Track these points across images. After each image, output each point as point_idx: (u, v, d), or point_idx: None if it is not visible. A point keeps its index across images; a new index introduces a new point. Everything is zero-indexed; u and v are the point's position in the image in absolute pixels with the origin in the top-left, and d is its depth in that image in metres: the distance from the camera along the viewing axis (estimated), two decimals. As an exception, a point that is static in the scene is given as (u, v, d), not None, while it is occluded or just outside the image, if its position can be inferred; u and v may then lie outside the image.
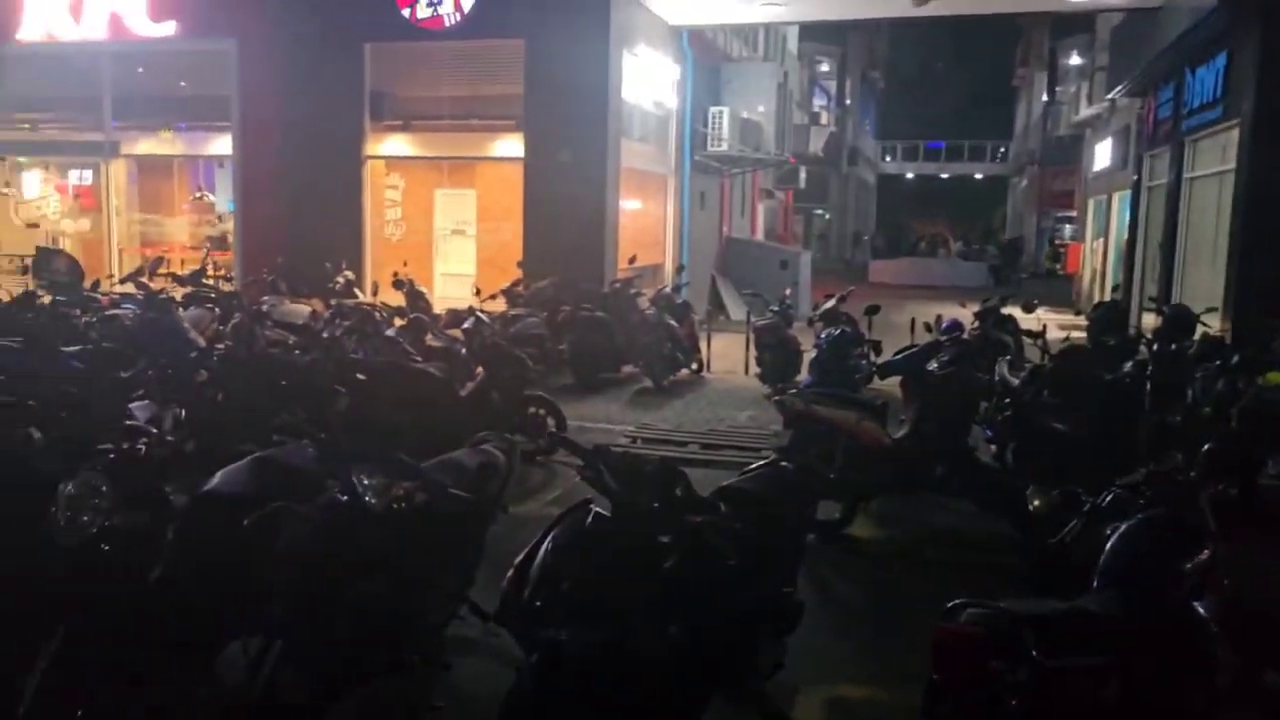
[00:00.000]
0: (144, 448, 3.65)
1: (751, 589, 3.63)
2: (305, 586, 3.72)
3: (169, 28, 14.07)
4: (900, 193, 52.02)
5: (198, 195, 16.32)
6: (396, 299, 10.94)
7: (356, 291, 12.49)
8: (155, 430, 3.86)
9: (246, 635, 4.02)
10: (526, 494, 6.99)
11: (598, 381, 11.49)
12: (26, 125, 15.94)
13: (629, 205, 14.41)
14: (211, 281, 13.25)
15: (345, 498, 3.63)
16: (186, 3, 13.98)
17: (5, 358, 7.32)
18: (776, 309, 11.54)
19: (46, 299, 9.82)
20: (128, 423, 3.91)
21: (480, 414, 7.42)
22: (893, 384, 7.86)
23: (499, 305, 11.58)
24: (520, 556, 3.28)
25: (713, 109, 17.22)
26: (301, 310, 10.62)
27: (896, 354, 8.51)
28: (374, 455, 3.80)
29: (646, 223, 16.06)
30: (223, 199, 16.11)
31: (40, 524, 3.52)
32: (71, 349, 7.83)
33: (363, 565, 3.75)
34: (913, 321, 10.71)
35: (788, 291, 12.75)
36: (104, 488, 3.48)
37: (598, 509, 3.32)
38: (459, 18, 13.03)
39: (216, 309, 10.77)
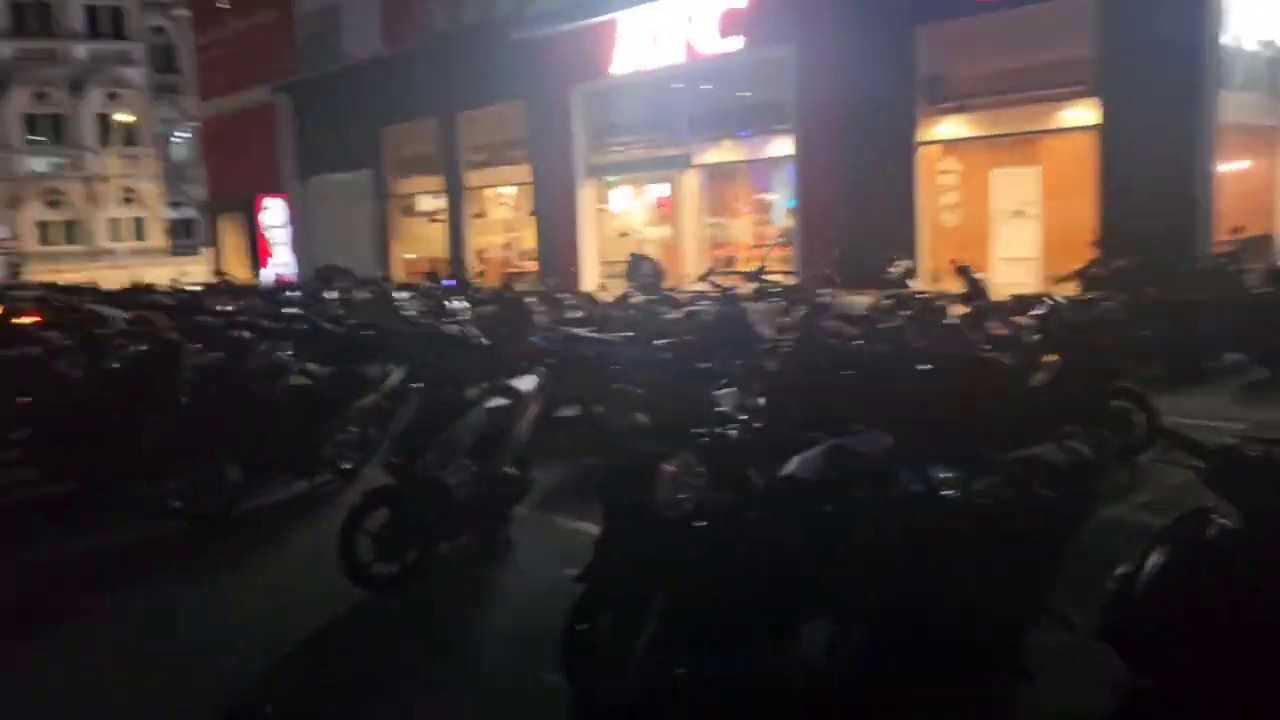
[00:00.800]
0: (733, 433, 3.84)
1: None
2: (884, 577, 3.65)
3: (736, 42, 15.14)
4: None
5: (760, 197, 17.39)
6: (956, 286, 10.57)
7: (910, 282, 12.37)
8: (743, 417, 4.03)
9: (826, 617, 4.07)
10: (1113, 495, 6.24)
11: (1194, 372, 10.00)
12: (619, 149, 18.29)
13: (1227, 168, 12.37)
14: (775, 277, 14.08)
15: (921, 490, 3.49)
16: (750, 18, 14.92)
17: (609, 349, 8.40)
18: None
19: (638, 298, 11.10)
20: (718, 410, 4.14)
21: (1055, 406, 6.81)
22: None
23: (1070, 289, 10.63)
24: (1124, 569, 2.84)
25: (1342, 41, 14.10)
26: (861, 302, 10.74)
27: None
28: (954, 449, 3.59)
29: (1252, 186, 13.66)
30: (782, 198, 16.99)
31: (646, 499, 3.88)
32: (661, 342, 8.75)
33: (942, 560, 3.58)
34: None
35: None
36: (699, 468, 3.73)
37: (1220, 519, 2.75)
38: (1019, -16, 12.22)
39: (781, 302, 11.37)
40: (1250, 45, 12.72)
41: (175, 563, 6.35)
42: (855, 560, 3.79)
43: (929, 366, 6.88)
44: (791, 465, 4.05)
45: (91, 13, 42.08)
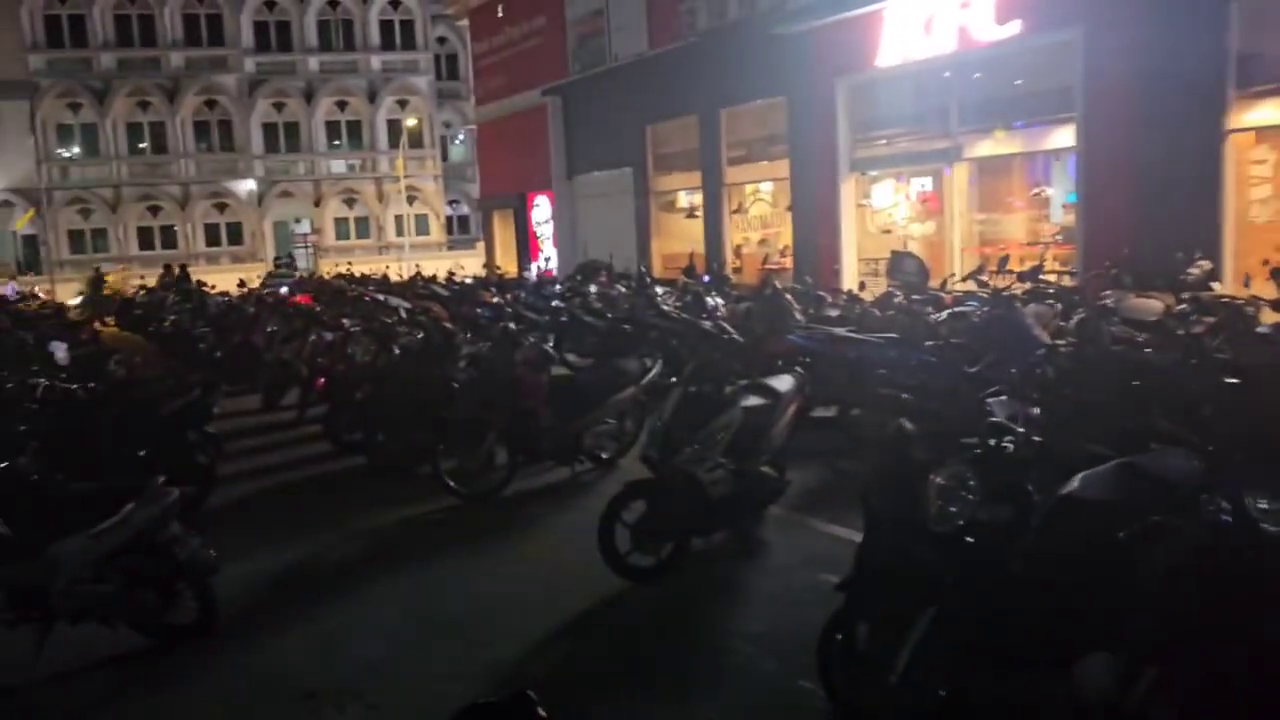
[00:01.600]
0: (1010, 445, 3.57)
1: None
2: (1183, 611, 3.28)
3: (1014, 27, 14.24)
4: None
5: (1036, 191, 16.30)
6: (1270, 290, 9.41)
7: (1213, 285, 11.14)
8: (1021, 429, 3.75)
9: (1113, 649, 3.72)
10: None
11: None
12: (883, 141, 17.72)
13: None
14: (1051, 277, 13.14)
15: (1230, 519, 3.08)
16: (1030, 0, 14.00)
17: (870, 350, 8.13)
18: None
19: (900, 298, 10.68)
20: (992, 420, 3.87)
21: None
22: None
23: None
24: None
25: None
26: (1153, 306, 9.79)
27: None
28: (1275, 473, 3.16)
29: None
30: (1060, 192, 15.84)
31: (914, 509, 3.70)
32: (926, 344, 8.37)
33: (1250, 600, 3.15)
34: None
35: None
36: (972, 480, 3.50)
37: None
38: (1358, -55, 10.69)
39: (1058, 305, 10.58)
40: None
41: (450, 537, 6.79)
42: (1149, 591, 3.43)
43: (1236, 379, 6.13)
44: (1074, 483, 3.73)
45: (386, 27, 46.05)
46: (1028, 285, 11.63)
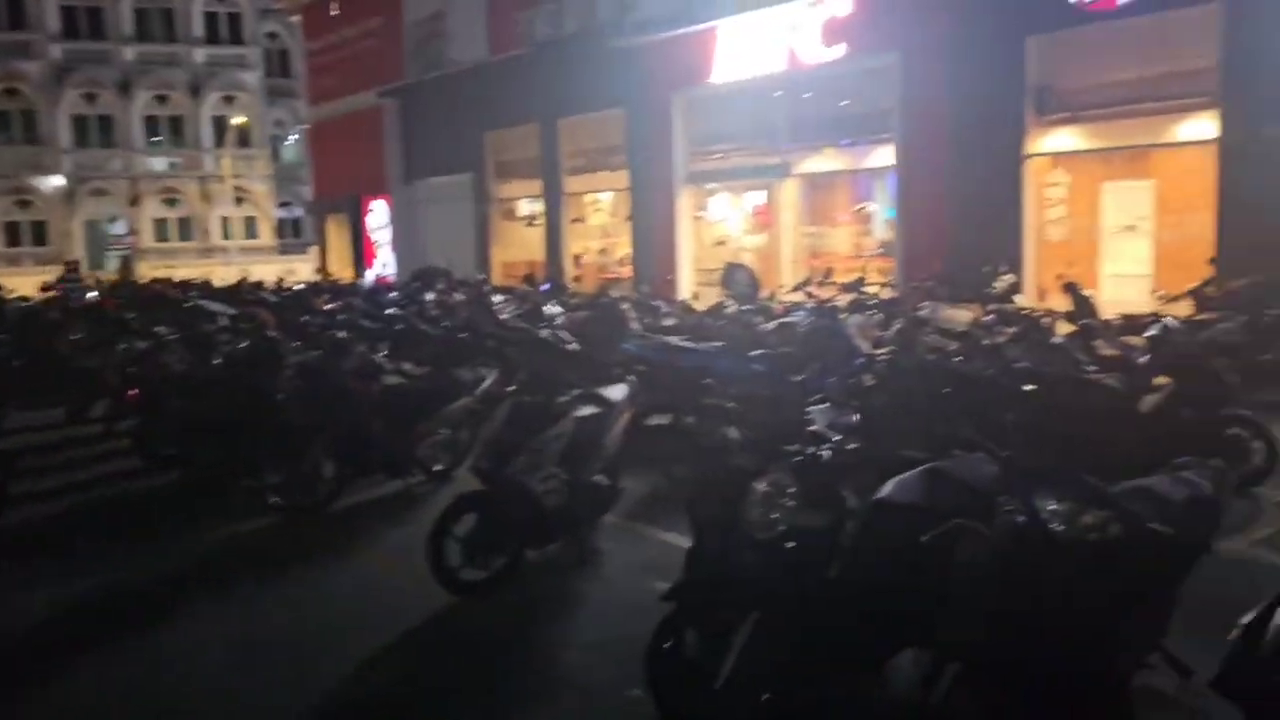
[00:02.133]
0: (828, 453, 3.73)
1: None
2: (982, 610, 3.50)
3: (838, 51, 14.92)
4: None
5: (860, 207, 17.09)
6: (1063, 303, 10.20)
7: (1016, 297, 11.98)
8: (838, 436, 3.92)
9: (919, 647, 3.94)
10: (1228, 529, 5.91)
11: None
12: (718, 156, 18.20)
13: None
14: (873, 289, 13.80)
15: (1024, 520, 3.32)
16: (853, 25, 14.69)
17: (702, 358, 8.32)
18: None
19: (733, 308, 10.98)
20: (811, 428, 4.03)
21: (1166, 433, 6.50)
22: None
23: (1183, 309, 10.16)
24: (1250, 617, 2.65)
25: None
26: (962, 316, 10.41)
27: None
28: (1063, 477, 3.42)
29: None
30: (882, 208, 16.68)
31: (737, 517, 3.81)
32: (754, 353, 8.63)
33: (1043, 596, 3.41)
34: None
35: None
36: (792, 488, 3.63)
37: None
38: (1136, -8, 11.75)
39: (880, 315, 11.12)
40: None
41: (275, 555, 6.52)
42: (952, 591, 3.65)
43: (1033, 387, 6.62)
44: (886, 488, 3.92)
45: (211, 19, 43.87)
46: (852, 296, 12.18)
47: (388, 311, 13.96)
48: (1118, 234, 14.72)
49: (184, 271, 26.61)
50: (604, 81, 18.38)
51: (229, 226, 41.57)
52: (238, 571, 6.21)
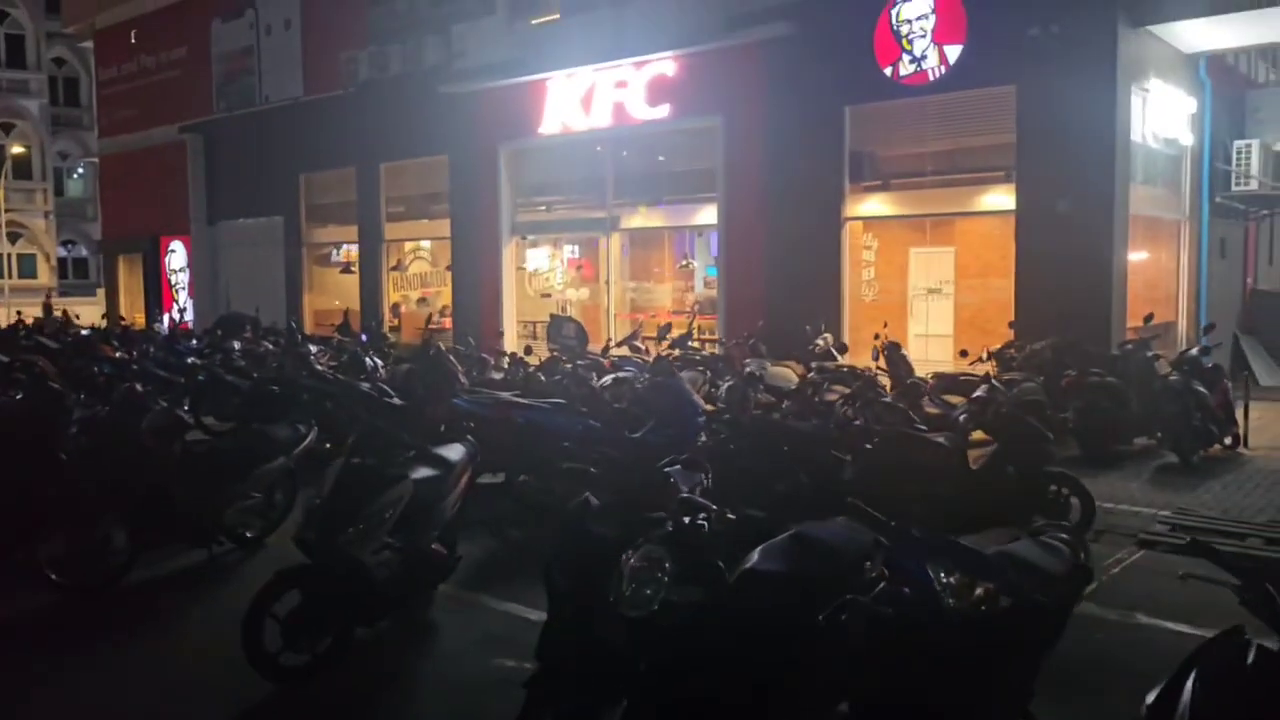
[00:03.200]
0: (705, 523, 3.53)
1: None
2: (876, 684, 3.38)
3: (663, 110, 15.15)
4: None
5: (684, 263, 17.33)
6: (874, 361, 10.57)
7: (835, 353, 12.36)
8: (714, 506, 3.72)
9: (807, 716, 3.77)
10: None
11: (1108, 455, 10.15)
12: (543, 207, 18.07)
13: (1133, 257, 12.79)
14: (697, 345, 13.93)
15: (914, 593, 3.22)
16: (678, 86, 14.96)
17: (541, 416, 8.02)
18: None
19: (567, 362, 10.74)
20: (683, 495, 3.82)
21: (993, 490, 6.72)
22: None
23: (986, 369, 10.72)
24: (1154, 694, 2.60)
25: (1238, 143, 14.85)
26: (790, 374, 10.62)
27: None
28: (950, 547, 3.35)
29: (1154, 276, 14.18)
30: (702, 265, 16.98)
31: (603, 591, 3.54)
32: (590, 409, 8.41)
33: (928, 668, 3.32)
34: None
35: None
36: (667, 561, 3.41)
37: (1261, 642, 2.55)
38: (943, 70, 12.52)
39: (707, 372, 11.18)
40: (1154, 144, 13.28)
41: (52, 640, 5.69)
42: (822, 661, 3.51)
43: (871, 445, 6.71)
44: (754, 558, 3.76)
45: (-12, 40, 40.47)
46: (677, 352, 12.22)
47: (189, 361, 12.94)
48: (923, 296, 15.58)
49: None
50: (429, 127, 17.96)
51: (2, 264, 37.89)
52: (5, 665, 5.36)
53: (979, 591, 3.14)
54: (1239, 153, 14.81)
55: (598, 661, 3.53)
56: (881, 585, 3.63)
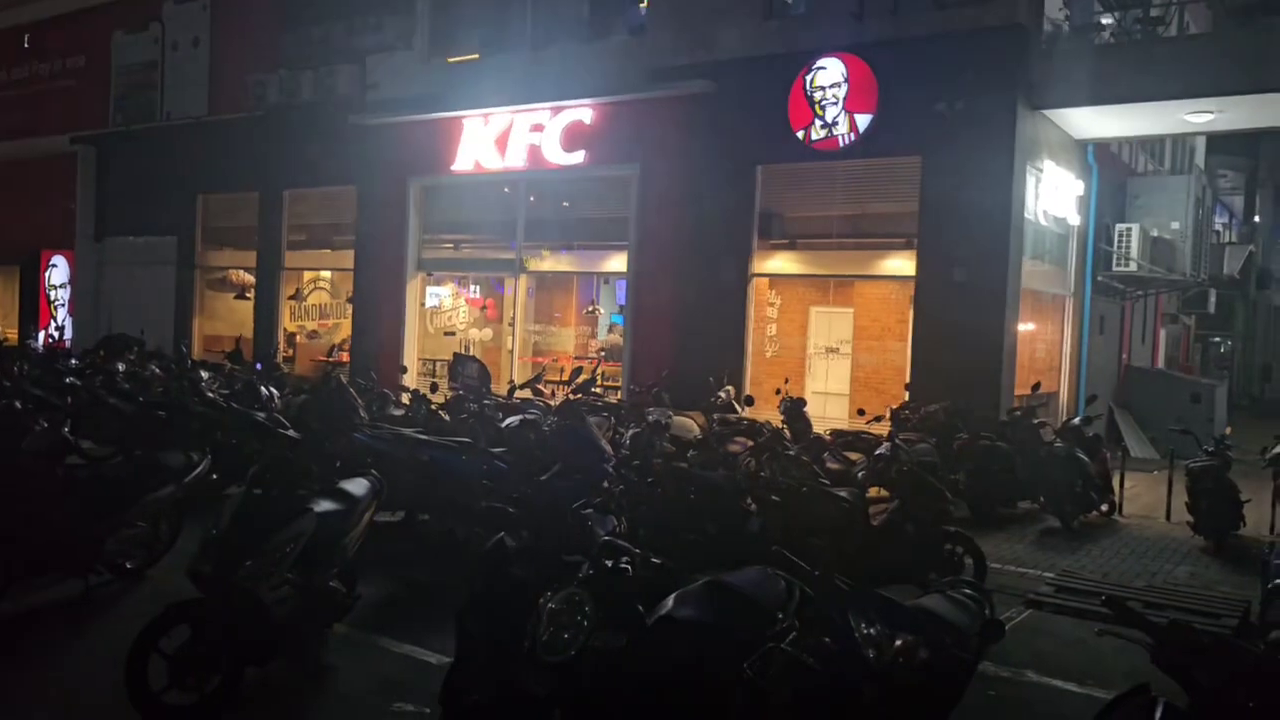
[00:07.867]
0: (628, 567, 3.50)
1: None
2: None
3: (578, 156, 15.25)
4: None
5: (590, 309, 17.37)
6: (776, 416, 10.74)
7: (736, 405, 12.50)
8: (638, 550, 3.70)
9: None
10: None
11: (995, 516, 10.52)
12: (451, 245, 17.90)
13: (1023, 328, 13.39)
14: (599, 391, 13.90)
15: (837, 645, 3.24)
16: (595, 134, 15.10)
17: (446, 454, 7.88)
18: (1212, 449, 10.09)
19: (473, 403, 10.57)
20: (606, 539, 3.79)
21: (892, 546, 6.88)
22: None
23: (882, 428, 11.00)
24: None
25: (1120, 226, 15.78)
26: (692, 425, 10.69)
27: None
28: (871, 599, 3.39)
29: (1040, 348, 14.87)
30: (608, 313, 17.06)
31: (519, 634, 3.47)
32: (497, 450, 8.31)
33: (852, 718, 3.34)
34: None
35: (1228, 430, 11.08)
36: (587, 606, 3.36)
37: (1166, 700, 2.65)
38: (854, 138, 12.96)
39: (611, 418, 11.16)
40: (1045, 221, 13.99)
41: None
42: (742, 711, 3.50)
43: (778, 497, 6.79)
44: (669, 604, 3.75)
45: None
46: (580, 396, 12.17)
47: (67, 380, 12.27)
48: (822, 354, 15.98)
49: None
50: (337, 157, 17.65)
51: None
52: None
53: (898, 643, 3.18)
54: (1120, 235, 15.73)
55: (511, 705, 3.45)
56: (793, 635, 3.65)
